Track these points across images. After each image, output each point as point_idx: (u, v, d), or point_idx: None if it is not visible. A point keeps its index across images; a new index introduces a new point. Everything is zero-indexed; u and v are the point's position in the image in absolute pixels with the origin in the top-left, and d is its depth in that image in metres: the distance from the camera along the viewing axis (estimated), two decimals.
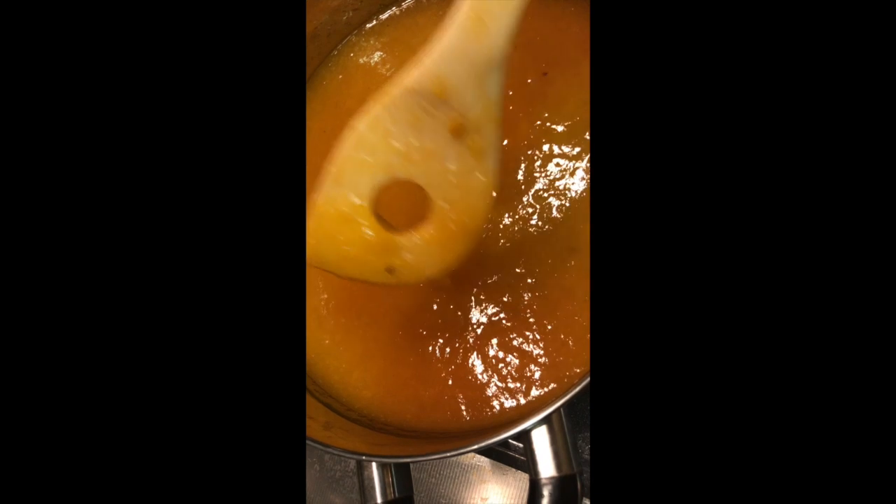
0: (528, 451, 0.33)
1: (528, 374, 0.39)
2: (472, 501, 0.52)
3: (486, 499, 0.51)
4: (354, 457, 0.36)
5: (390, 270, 0.31)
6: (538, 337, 0.40)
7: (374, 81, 0.48)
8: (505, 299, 0.41)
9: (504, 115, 0.30)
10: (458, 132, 0.29)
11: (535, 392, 0.39)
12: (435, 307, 0.42)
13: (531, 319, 0.40)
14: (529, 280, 0.40)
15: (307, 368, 0.44)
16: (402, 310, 0.43)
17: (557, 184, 0.41)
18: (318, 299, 0.45)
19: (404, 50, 0.48)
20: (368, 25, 0.50)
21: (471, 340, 0.41)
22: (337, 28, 0.49)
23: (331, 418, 0.41)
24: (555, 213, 0.41)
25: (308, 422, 0.38)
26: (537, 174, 0.42)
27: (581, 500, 0.33)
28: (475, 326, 0.41)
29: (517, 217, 0.41)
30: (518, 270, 0.41)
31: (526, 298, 0.40)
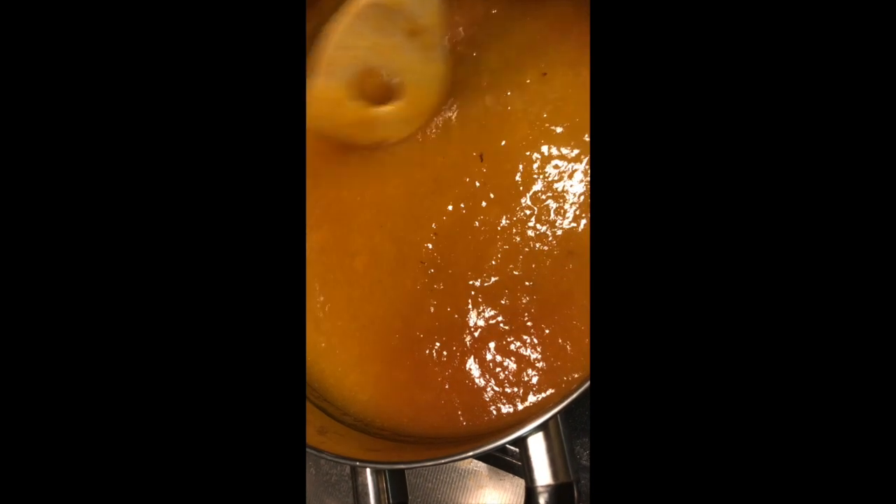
0: (525, 458, 0.33)
1: (526, 378, 0.39)
2: None
3: None
4: (349, 462, 0.36)
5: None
6: (536, 341, 0.39)
7: None
8: (503, 302, 0.40)
9: (447, 19, 0.40)
10: (413, 33, 0.39)
11: (532, 397, 0.39)
12: (432, 310, 0.42)
13: (529, 323, 0.40)
14: (527, 283, 0.40)
15: None
16: (399, 313, 0.42)
17: (556, 186, 0.41)
18: (315, 302, 0.44)
19: None
20: None
21: (468, 344, 0.41)
22: None
23: (326, 423, 0.41)
24: (553, 215, 0.40)
25: None
26: (536, 176, 0.41)
27: None
28: (472, 330, 0.41)
29: (515, 219, 0.41)
30: (516, 273, 0.40)
31: (524, 302, 0.40)
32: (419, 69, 0.41)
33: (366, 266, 0.44)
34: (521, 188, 0.41)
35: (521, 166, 0.41)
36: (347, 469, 0.52)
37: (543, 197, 0.41)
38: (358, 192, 0.45)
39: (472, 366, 0.40)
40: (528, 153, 0.41)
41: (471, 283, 0.41)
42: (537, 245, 0.40)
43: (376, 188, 0.44)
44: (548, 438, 0.33)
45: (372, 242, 0.44)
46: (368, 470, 0.37)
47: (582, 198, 0.40)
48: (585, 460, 0.46)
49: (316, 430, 0.39)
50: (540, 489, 0.32)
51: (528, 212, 0.41)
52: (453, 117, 0.43)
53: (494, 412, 0.39)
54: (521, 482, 0.50)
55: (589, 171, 0.40)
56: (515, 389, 0.39)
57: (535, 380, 0.39)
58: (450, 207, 0.42)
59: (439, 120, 0.44)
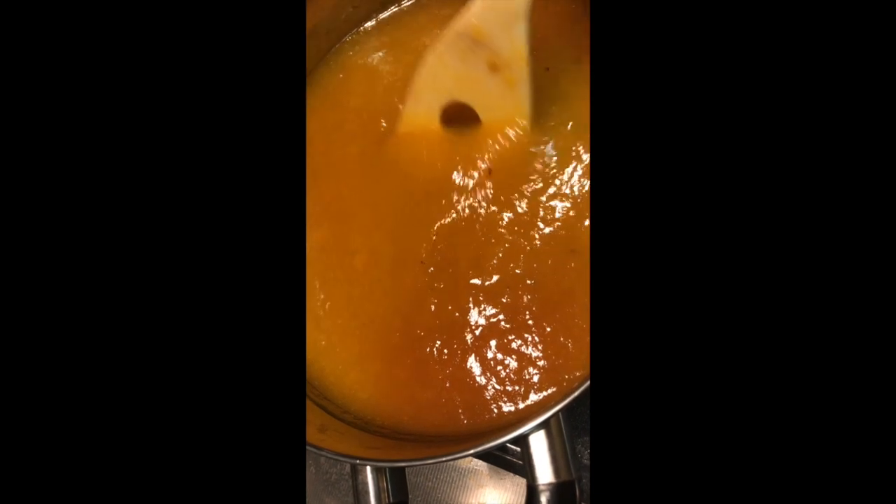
0: (526, 457, 0.33)
1: (527, 377, 0.39)
2: None
3: (484, 503, 0.51)
4: (349, 460, 0.36)
5: None
6: (537, 339, 0.39)
7: (375, 81, 0.47)
8: (504, 300, 0.40)
9: (533, 57, 0.38)
10: (494, 67, 0.38)
11: (533, 396, 0.38)
12: (432, 308, 0.41)
13: (530, 321, 0.39)
14: (529, 281, 0.40)
15: None
16: (400, 311, 0.42)
17: (557, 183, 0.41)
18: (315, 300, 0.44)
19: (406, 52, 0.48)
20: (368, 24, 0.49)
21: (469, 342, 0.40)
22: (336, 25, 0.48)
23: (326, 421, 0.41)
24: (556, 213, 0.40)
25: None
26: (538, 174, 0.41)
27: None
28: (473, 328, 0.40)
29: (516, 217, 0.41)
30: (517, 271, 0.40)
31: (525, 300, 0.40)
32: (498, 105, 0.40)
33: (365, 265, 0.44)
34: (522, 186, 0.41)
35: (523, 164, 0.41)
36: (347, 468, 0.51)
37: (545, 196, 0.41)
38: (357, 190, 0.45)
39: (473, 364, 0.40)
40: (532, 149, 0.41)
41: (472, 281, 0.41)
42: (539, 243, 0.40)
43: (376, 186, 0.44)
44: (549, 436, 0.32)
45: (371, 242, 0.44)
46: (369, 468, 0.37)
47: (584, 195, 0.40)
48: (587, 459, 0.46)
49: (316, 428, 0.39)
50: (542, 487, 0.32)
51: (529, 210, 0.41)
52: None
53: (496, 410, 0.39)
54: (521, 481, 0.50)
55: (590, 169, 0.40)
56: (517, 388, 0.39)
57: (536, 378, 0.39)
58: (451, 209, 0.42)
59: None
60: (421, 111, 0.42)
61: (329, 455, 0.36)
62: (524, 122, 0.41)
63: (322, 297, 0.44)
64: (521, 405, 0.38)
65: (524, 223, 0.41)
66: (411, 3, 0.49)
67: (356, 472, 0.38)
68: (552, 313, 0.39)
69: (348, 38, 0.49)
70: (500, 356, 0.40)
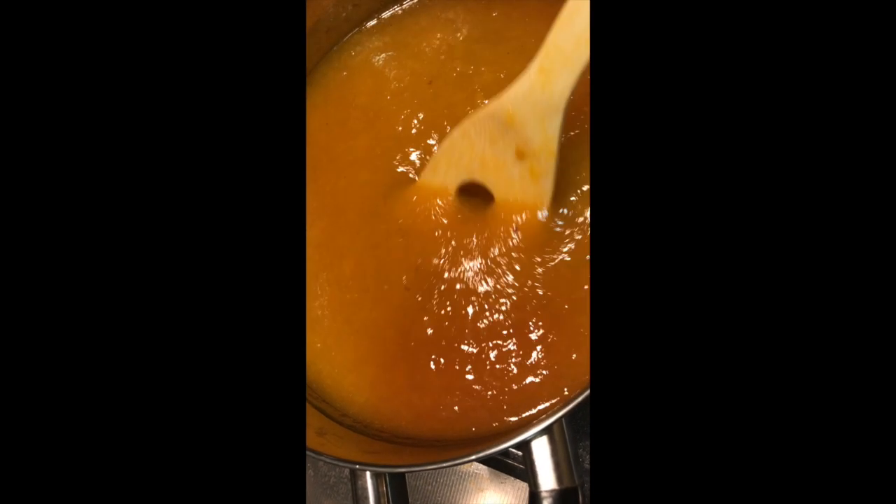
0: (528, 462, 0.32)
1: (529, 382, 0.38)
2: None
3: None
4: (348, 465, 0.35)
5: None
6: (539, 346, 0.39)
7: (381, 81, 0.47)
8: (503, 309, 0.40)
9: (561, 150, 0.37)
10: (521, 155, 0.37)
11: (535, 401, 0.38)
12: (426, 318, 0.41)
13: (532, 327, 0.39)
14: (539, 292, 0.39)
15: None
16: (399, 314, 0.42)
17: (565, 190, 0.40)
18: (312, 302, 0.44)
19: (408, 56, 0.47)
20: (369, 24, 0.49)
21: (467, 350, 0.40)
22: (336, 24, 0.48)
23: (324, 424, 0.40)
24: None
25: None
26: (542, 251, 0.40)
27: None
28: (472, 336, 0.40)
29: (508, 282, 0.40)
30: (530, 284, 0.40)
31: (527, 308, 0.39)
32: (518, 195, 0.39)
33: (352, 271, 0.43)
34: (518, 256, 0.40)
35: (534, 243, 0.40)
36: (346, 471, 0.51)
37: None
38: (353, 225, 0.44)
39: (472, 372, 0.39)
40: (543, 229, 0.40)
41: (473, 285, 0.40)
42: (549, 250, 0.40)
43: (371, 229, 0.43)
44: (552, 442, 0.32)
45: (357, 251, 0.43)
46: (368, 473, 0.37)
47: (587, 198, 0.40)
48: (589, 464, 0.45)
49: (315, 431, 0.38)
50: (544, 494, 0.32)
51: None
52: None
53: (496, 417, 0.38)
54: (522, 486, 0.49)
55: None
56: (518, 393, 0.38)
57: (538, 384, 0.38)
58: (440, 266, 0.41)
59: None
60: (437, 183, 0.41)
61: (329, 460, 0.35)
62: (543, 213, 0.39)
63: (319, 299, 0.44)
64: (524, 412, 0.38)
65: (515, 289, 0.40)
66: (413, 4, 0.49)
67: (355, 477, 0.37)
68: (556, 321, 0.39)
69: (350, 36, 0.49)
70: (500, 365, 0.39)
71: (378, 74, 0.47)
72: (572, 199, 0.40)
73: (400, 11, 0.49)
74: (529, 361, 0.38)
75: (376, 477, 0.37)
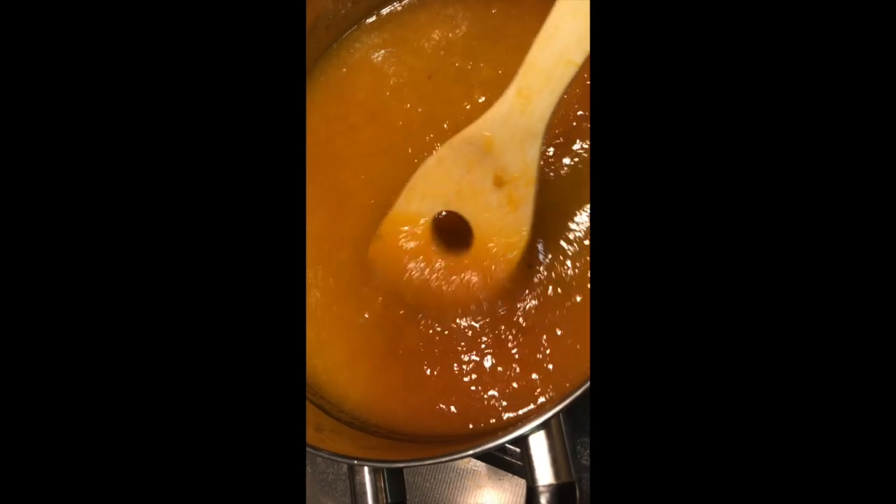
0: (526, 458, 0.33)
1: (527, 377, 0.38)
2: None
3: None
4: (345, 461, 0.35)
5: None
6: (537, 343, 0.39)
7: (378, 76, 0.47)
8: (500, 312, 0.39)
9: (541, 176, 0.35)
10: (499, 182, 0.35)
11: (533, 396, 0.38)
12: (421, 326, 0.41)
13: (528, 325, 0.39)
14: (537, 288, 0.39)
15: None
16: (394, 308, 0.41)
17: (565, 187, 0.40)
18: (308, 295, 0.44)
19: (408, 53, 0.47)
20: (368, 20, 0.49)
21: (461, 350, 0.40)
22: (335, 21, 0.48)
23: (322, 419, 0.40)
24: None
25: None
26: (550, 178, 0.40)
27: None
28: (465, 337, 0.40)
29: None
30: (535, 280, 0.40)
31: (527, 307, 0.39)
32: (496, 224, 0.36)
33: (336, 279, 0.43)
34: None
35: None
36: (344, 468, 0.51)
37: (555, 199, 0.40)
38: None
39: (466, 371, 0.39)
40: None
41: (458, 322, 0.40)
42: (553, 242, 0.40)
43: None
44: (550, 437, 0.32)
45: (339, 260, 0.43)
46: (366, 469, 0.37)
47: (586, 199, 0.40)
48: (587, 460, 0.45)
49: (312, 427, 0.38)
50: (541, 489, 0.32)
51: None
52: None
53: (492, 414, 0.38)
54: (520, 482, 0.49)
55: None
56: (516, 388, 0.38)
57: (536, 378, 0.38)
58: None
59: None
60: (412, 211, 0.38)
61: (327, 455, 0.35)
62: (520, 248, 0.36)
63: (312, 293, 0.43)
64: (521, 405, 0.38)
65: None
66: (411, 0, 0.49)
67: (353, 473, 0.37)
68: (553, 317, 0.39)
69: (349, 33, 0.49)
70: (492, 362, 0.39)
71: (377, 71, 0.47)
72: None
73: (399, 8, 0.49)
74: (528, 359, 0.38)
75: (374, 473, 0.37)
